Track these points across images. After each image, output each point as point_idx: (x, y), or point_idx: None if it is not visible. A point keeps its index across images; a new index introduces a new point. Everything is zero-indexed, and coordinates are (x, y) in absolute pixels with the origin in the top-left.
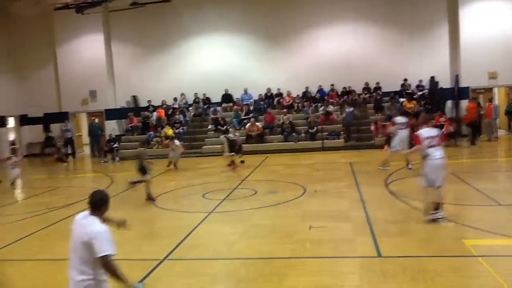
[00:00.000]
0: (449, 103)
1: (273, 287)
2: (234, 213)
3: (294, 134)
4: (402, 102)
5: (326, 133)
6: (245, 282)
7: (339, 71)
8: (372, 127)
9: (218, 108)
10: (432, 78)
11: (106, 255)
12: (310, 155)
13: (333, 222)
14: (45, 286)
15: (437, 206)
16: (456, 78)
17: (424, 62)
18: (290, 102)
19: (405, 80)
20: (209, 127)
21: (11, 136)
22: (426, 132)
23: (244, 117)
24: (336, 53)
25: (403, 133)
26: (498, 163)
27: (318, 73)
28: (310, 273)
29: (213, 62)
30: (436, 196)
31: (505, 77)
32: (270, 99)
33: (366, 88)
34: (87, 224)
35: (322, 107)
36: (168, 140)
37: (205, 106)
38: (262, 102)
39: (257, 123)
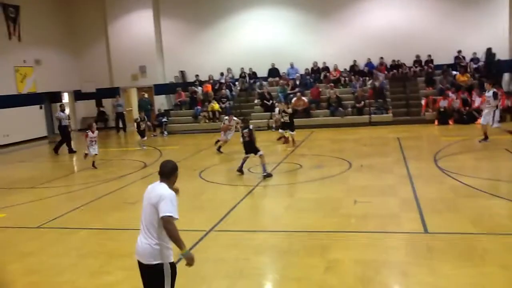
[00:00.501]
0: (506, 76)
1: (316, 260)
2: (279, 187)
3: (340, 108)
4: (455, 75)
5: (374, 107)
6: (289, 254)
7: (388, 43)
8: (423, 102)
9: (264, 83)
10: (489, 49)
11: (168, 216)
12: (357, 130)
13: (379, 197)
14: (98, 253)
15: None
16: None
17: (480, 33)
18: (337, 76)
19: (459, 52)
20: (255, 101)
21: (67, 111)
22: None
23: (290, 92)
24: (385, 25)
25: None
26: None
27: (366, 46)
28: (354, 247)
29: (259, 36)
30: None
31: None
32: (317, 73)
33: (417, 61)
34: (156, 189)
35: (370, 81)
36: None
37: (251, 81)
38: (308, 77)
39: (303, 98)
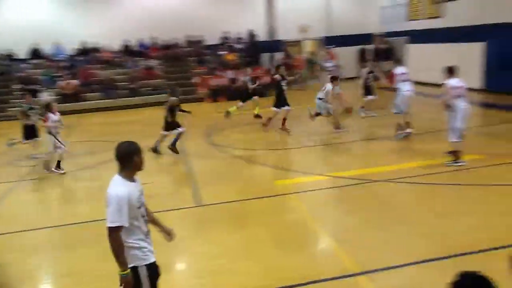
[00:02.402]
0: (265, 55)
1: (92, 250)
2: (47, 179)
3: (114, 90)
4: (223, 55)
5: (149, 88)
6: (63, 249)
7: (160, 23)
8: (196, 80)
9: (26, 65)
10: (251, 31)
11: (109, 227)
12: (133, 112)
13: (156, 177)
14: None
15: (458, 155)
16: (272, 32)
17: (243, 15)
18: (109, 57)
19: (226, 33)
20: (16, 87)
21: None
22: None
23: (57, 74)
24: (156, 5)
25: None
26: (305, 109)
27: (138, 26)
28: None
29: (18, 12)
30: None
31: (313, 30)
32: (86, 54)
33: (188, 41)
34: (110, 186)
35: (144, 62)
36: None
37: (10, 63)
38: (77, 57)
39: (72, 80)
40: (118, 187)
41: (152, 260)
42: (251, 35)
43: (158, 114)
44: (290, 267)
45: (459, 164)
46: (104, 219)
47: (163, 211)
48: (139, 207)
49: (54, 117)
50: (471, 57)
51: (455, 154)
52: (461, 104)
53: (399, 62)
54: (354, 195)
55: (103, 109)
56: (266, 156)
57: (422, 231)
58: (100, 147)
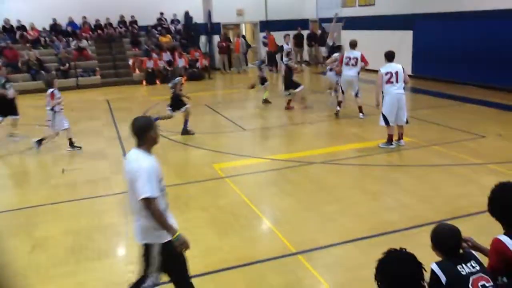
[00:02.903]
0: (203, 38)
1: (22, 240)
2: None
3: (43, 72)
4: (159, 36)
5: (81, 70)
6: None
7: (91, 2)
8: (130, 63)
9: None
10: (187, 13)
11: (145, 198)
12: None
13: (89, 162)
14: None
15: (390, 138)
16: (209, 14)
17: None
18: (36, 36)
19: (161, 14)
20: None
21: None
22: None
23: None
24: None
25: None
26: (245, 92)
27: (67, 4)
28: (65, 218)
29: None
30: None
31: (250, 14)
32: (11, 33)
33: (122, 22)
34: (131, 161)
35: (74, 42)
36: None
37: None
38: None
39: None
40: (142, 159)
41: (167, 239)
42: (187, 17)
43: (88, 97)
44: (231, 249)
45: (391, 146)
46: (34, 206)
47: (98, 196)
48: (160, 180)
49: (58, 93)
50: (402, 44)
51: (388, 137)
52: (392, 90)
53: (353, 46)
54: (291, 177)
55: (31, 92)
56: (204, 139)
57: (354, 210)
58: (30, 132)
